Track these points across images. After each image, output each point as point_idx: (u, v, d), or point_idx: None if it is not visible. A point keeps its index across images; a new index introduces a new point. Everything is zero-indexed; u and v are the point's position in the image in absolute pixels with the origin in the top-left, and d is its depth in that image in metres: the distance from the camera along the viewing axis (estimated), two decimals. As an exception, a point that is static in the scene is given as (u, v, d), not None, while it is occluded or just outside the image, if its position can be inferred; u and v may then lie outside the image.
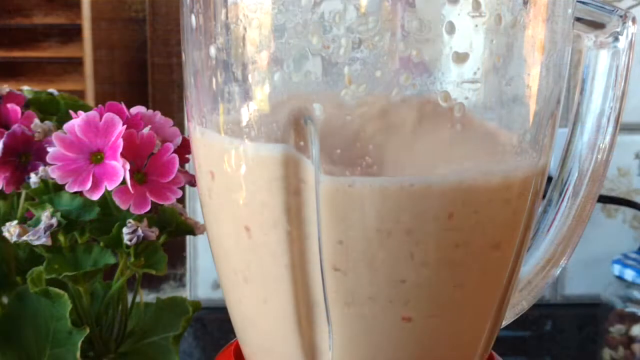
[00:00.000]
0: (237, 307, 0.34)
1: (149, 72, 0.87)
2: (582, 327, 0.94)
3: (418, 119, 0.29)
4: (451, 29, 0.27)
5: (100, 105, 0.41)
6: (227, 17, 0.29)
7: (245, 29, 0.29)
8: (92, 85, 0.87)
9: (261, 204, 0.30)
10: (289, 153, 0.28)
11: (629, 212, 0.93)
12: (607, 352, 0.86)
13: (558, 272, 0.36)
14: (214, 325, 0.91)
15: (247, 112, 0.29)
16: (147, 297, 0.82)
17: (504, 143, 0.30)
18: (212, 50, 0.30)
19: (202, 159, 0.33)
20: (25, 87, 0.50)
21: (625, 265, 0.83)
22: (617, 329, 0.85)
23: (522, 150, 0.30)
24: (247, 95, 0.29)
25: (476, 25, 0.28)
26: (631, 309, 0.84)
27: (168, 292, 0.90)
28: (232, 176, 0.31)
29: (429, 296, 0.30)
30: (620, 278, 0.84)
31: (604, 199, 0.88)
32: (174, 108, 0.88)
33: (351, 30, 0.27)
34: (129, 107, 0.42)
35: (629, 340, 0.84)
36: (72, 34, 0.88)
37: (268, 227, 0.30)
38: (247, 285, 0.32)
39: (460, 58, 0.28)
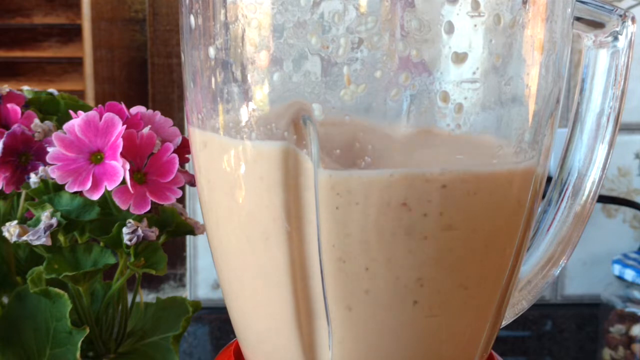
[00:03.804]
0: (236, 307, 0.34)
1: (148, 72, 0.87)
2: (582, 327, 0.94)
3: (417, 120, 0.29)
4: (450, 28, 0.27)
5: (100, 105, 0.41)
6: (226, 17, 0.29)
7: (244, 29, 0.29)
8: (92, 85, 0.87)
9: (260, 203, 0.30)
10: (289, 149, 0.28)
11: (629, 212, 0.93)
12: (607, 352, 0.86)
13: (558, 271, 0.36)
14: (214, 325, 0.91)
15: (247, 112, 0.29)
16: (147, 297, 0.82)
17: (503, 143, 0.30)
18: (211, 51, 0.30)
19: (201, 159, 0.33)
20: (25, 87, 0.50)
21: (625, 265, 0.83)
22: (617, 329, 0.85)
23: (522, 150, 0.30)
24: (246, 96, 0.29)
25: (475, 25, 0.28)
26: (631, 309, 0.84)
27: (168, 292, 0.90)
28: (231, 175, 0.31)
29: (428, 296, 0.30)
30: (620, 278, 0.84)
31: (604, 199, 0.88)
32: (173, 108, 0.88)
33: (350, 30, 0.27)
34: (129, 107, 0.42)
35: (629, 340, 0.84)
36: (72, 34, 0.88)
37: (267, 226, 0.30)
38: (246, 285, 0.32)
39: (460, 58, 0.28)
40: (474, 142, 0.30)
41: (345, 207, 0.28)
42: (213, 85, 0.31)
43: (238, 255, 0.32)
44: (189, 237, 0.89)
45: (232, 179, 0.31)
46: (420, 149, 0.29)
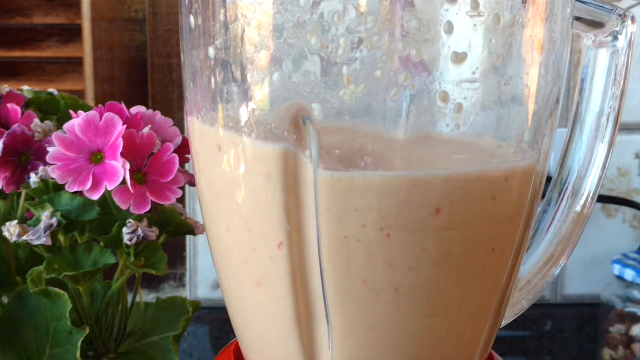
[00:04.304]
0: (236, 307, 0.34)
1: (149, 72, 0.87)
2: (582, 327, 0.94)
3: (417, 120, 0.29)
4: (450, 28, 0.27)
5: (100, 105, 0.41)
6: (226, 17, 0.29)
7: (244, 29, 0.29)
8: (92, 85, 0.87)
9: (260, 204, 0.30)
10: (288, 151, 0.28)
11: (629, 212, 0.93)
12: (607, 352, 0.86)
13: (558, 271, 0.36)
14: (214, 325, 0.91)
15: (246, 112, 0.29)
16: (147, 297, 0.82)
17: (503, 143, 0.30)
18: (211, 51, 0.30)
19: (201, 159, 0.33)
20: (26, 87, 0.50)
21: (625, 265, 0.83)
22: (617, 328, 0.85)
23: (522, 150, 0.30)
24: (246, 96, 0.29)
25: (475, 25, 0.28)
26: (631, 309, 0.84)
27: (168, 292, 0.90)
28: (231, 176, 0.31)
29: (428, 296, 0.30)
30: (620, 278, 0.84)
31: (604, 199, 0.88)
32: (174, 108, 0.88)
33: (350, 30, 0.27)
34: (129, 107, 0.42)
35: (629, 340, 0.84)
36: (72, 33, 0.88)
37: (267, 226, 0.30)
38: (246, 285, 0.32)
39: (459, 58, 0.28)
40: (474, 142, 0.30)
41: (345, 208, 0.28)
42: (213, 85, 0.31)
43: (238, 255, 0.32)
44: (189, 237, 0.89)
45: (232, 180, 0.31)
46: (420, 149, 0.29)
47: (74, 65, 0.88)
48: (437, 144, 0.29)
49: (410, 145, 0.29)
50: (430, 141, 0.29)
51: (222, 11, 0.29)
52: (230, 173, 0.31)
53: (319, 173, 0.28)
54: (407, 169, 0.29)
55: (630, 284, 0.83)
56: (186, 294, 0.89)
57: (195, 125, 0.32)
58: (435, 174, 0.29)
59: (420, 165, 0.29)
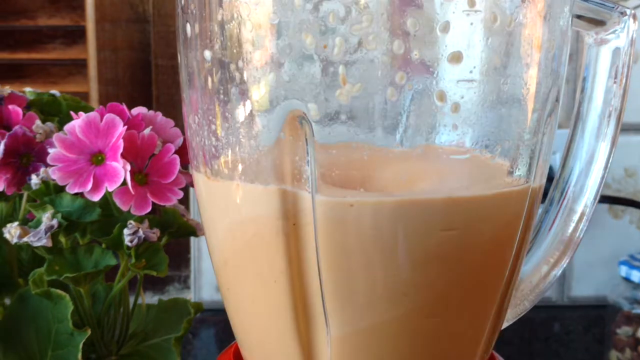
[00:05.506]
0: (236, 311, 0.33)
1: (152, 73, 0.87)
2: (588, 328, 0.94)
3: (414, 120, 0.28)
4: (448, 28, 0.27)
5: (101, 106, 0.41)
6: (222, 18, 0.29)
7: (240, 29, 0.28)
8: (96, 87, 0.87)
9: (259, 207, 0.30)
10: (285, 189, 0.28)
11: (636, 212, 0.92)
12: (614, 354, 0.85)
13: (559, 272, 0.35)
14: (218, 327, 0.91)
15: (243, 112, 0.29)
16: (151, 299, 0.82)
17: (502, 142, 0.30)
18: (207, 52, 0.30)
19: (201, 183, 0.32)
20: (28, 89, 0.50)
21: (632, 267, 0.83)
22: (624, 330, 0.84)
23: (521, 149, 0.30)
24: (242, 96, 0.29)
25: (472, 24, 0.28)
26: (638, 310, 0.84)
27: (173, 294, 0.90)
28: (229, 180, 0.31)
29: (428, 297, 0.30)
30: (627, 279, 0.83)
31: (610, 200, 0.87)
32: (177, 109, 0.88)
33: (347, 30, 0.27)
34: (132, 108, 0.42)
35: (636, 341, 0.83)
36: (76, 35, 0.88)
37: (265, 229, 0.30)
38: (245, 289, 0.32)
39: (456, 57, 0.28)
40: (472, 144, 0.29)
41: (343, 210, 0.28)
42: (210, 86, 0.30)
43: (236, 258, 0.32)
44: (193, 239, 0.89)
45: (229, 184, 0.30)
46: (417, 156, 0.29)
47: (78, 67, 0.89)
48: (434, 150, 0.29)
49: (407, 157, 0.29)
50: (427, 150, 0.29)
51: (219, 12, 0.29)
52: (228, 175, 0.30)
53: (317, 201, 0.28)
54: (404, 191, 0.28)
55: (637, 286, 0.83)
56: (191, 296, 0.89)
57: (193, 139, 0.32)
58: (435, 173, 0.28)
59: (417, 168, 0.29)
